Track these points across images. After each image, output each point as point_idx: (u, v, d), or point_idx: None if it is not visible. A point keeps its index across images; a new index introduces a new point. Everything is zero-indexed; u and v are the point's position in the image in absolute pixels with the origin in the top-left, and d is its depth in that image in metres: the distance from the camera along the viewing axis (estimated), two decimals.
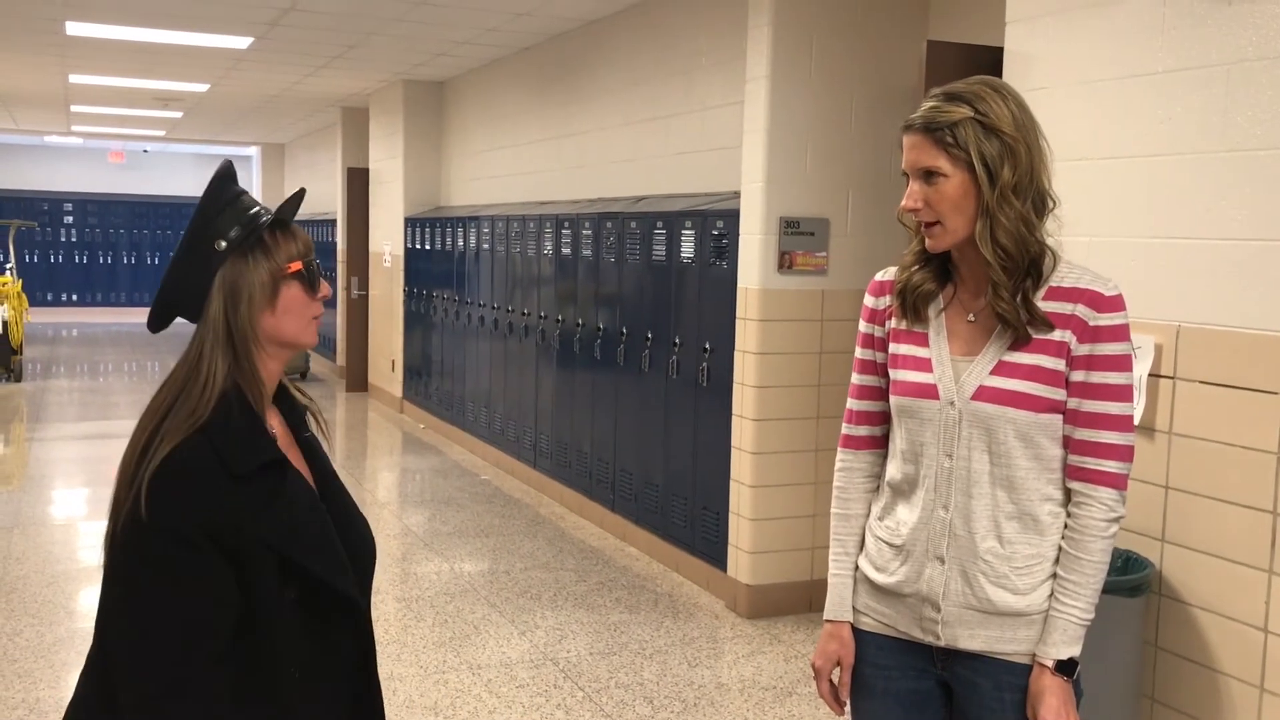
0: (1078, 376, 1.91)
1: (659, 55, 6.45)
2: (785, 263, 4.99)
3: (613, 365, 6.41)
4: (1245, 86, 2.91)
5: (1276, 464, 2.82)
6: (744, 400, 5.12)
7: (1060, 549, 1.94)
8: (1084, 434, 1.91)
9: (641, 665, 4.61)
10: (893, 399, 2.09)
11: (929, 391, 2.02)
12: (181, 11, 7.35)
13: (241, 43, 8.45)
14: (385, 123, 10.93)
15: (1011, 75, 3.65)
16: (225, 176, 1.80)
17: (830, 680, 2.17)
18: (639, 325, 6.13)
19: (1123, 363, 1.90)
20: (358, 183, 11.98)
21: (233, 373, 1.72)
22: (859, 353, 2.20)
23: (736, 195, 5.36)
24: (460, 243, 8.96)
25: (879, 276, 2.18)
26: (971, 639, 1.99)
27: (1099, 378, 1.89)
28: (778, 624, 5.05)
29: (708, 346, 5.46)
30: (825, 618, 2.18)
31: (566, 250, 7.03)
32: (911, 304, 2.06)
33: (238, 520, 1.65)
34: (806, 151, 5.02)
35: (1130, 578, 3.01)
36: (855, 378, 2.21)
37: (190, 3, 7.09)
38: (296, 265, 1.78)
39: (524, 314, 7.72)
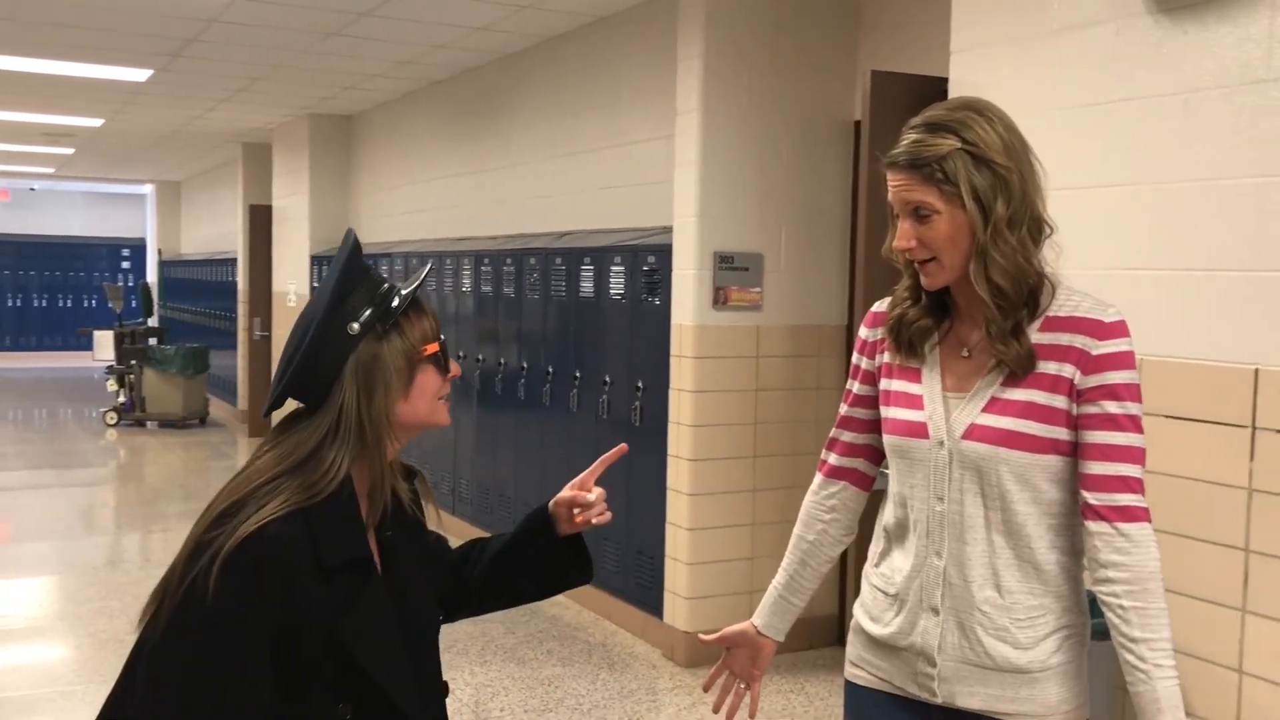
0: (1089, 409, 1.77)
1: (581, 88, 6.32)
2: (720, 298, 4.87)
3: (538, 406, 6.21)
4: (1203, 115, 2.87)
5: (1247, 499, 2.75)
6: (680, 440, 4.96)
7: (1116, 610, 1.75)
8: (1104, 468, 1.76)
9: None
10: (884, 439, 1.96)
11: (919, 430, 1.88)
12: (77, 42, 7.00)
13: (140, 75, 8.10)
14: (289, 158, 10.61)
15: None
16: (356, 250, 1.64)
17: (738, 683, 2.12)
18: (566, 364, 5.95)
19: (1133, 391, 1.78)
20: (260, 220, 11.62)
21: (357, 463, 1.58)
22: (850, 383, 2.07)
23: (666, 230, 5.23)
24: None
25: (875, 307, 2.04)
26: (970, 697, 1.85)
27: (1114, 408, 1.77)
28: None
29: (641, 385, 5.30)
30: None
31: (487, 287, 6.83)
32: (907, 340, 1.92)
33: (311, 620, 1.49)
34: (739, 185, 4.91)
35: (1099, 620, 2.91)
36: (844, 409, 2.08)
37: (87, 33, 6.75)
38: (433, 348, 1.65)
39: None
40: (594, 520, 1.92)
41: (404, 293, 1.64)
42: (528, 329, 6.36)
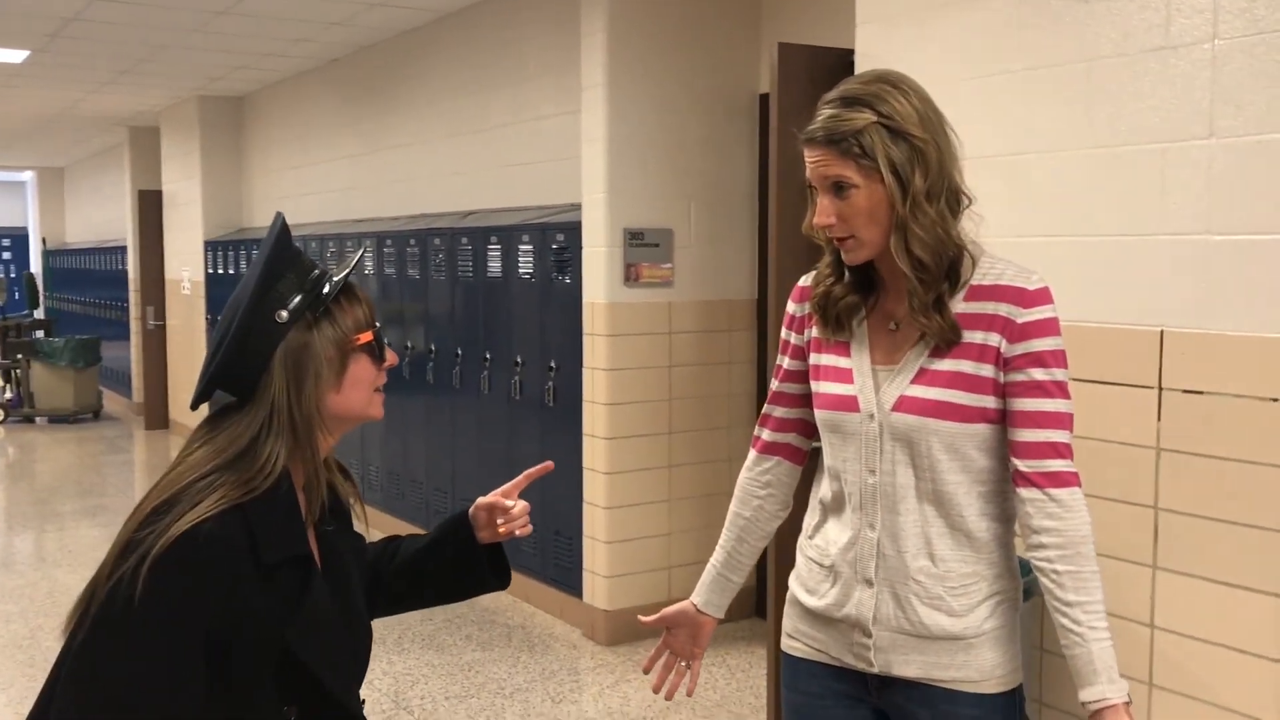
0: (1017, 377, 1.79)
1: (484, 64, 6.21)
2: (631, 275, 4.84)
3: (448, 389, 6.12)
4: (1105, 83, 2.92)
5: (1155, 459, 2.82)
6: (595, 419, 4.93)
7: (1050, 575, 1.77)
8: (1034, 435, 1.77)
9: (502, 706, 4.35)
10: (816, 413, 1.95)
11: (849, 404, 1.88)
12: None
13: (16, 56, 7.75)
14: (179, 142, 10.28)
15: None
16: (284, 234, 1.56)
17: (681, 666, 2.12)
18: (475, 346, 5.87)
19: (1059, 357, 1.80)
20: (150, 206, 11.24)
21: (292, 456, 1.51)
22: (780, 359, 2.06)
23: (575, 207, 5.19)
24: None
25: (802, 282, 2.03)
26: (906, 665, 1.86)
27: (1041, 375, 1.78)
28: (639, 649, 4.87)
29: (553, 365, 5.25)
30: None
31: (391, 269, 6.70)
32: (834, 316, 1.92)
33: (251, 621, 1.42)
34: (648, 160, 4.88)
35: (1028, 578, 2.97)
36: (775, 384, 2.07)
37: None
38: (366, 336, 1.59)
39: None
40: (517, 532, 1.90)
41: (335, 279, 1.58)
42: (435, 311, 6.26)
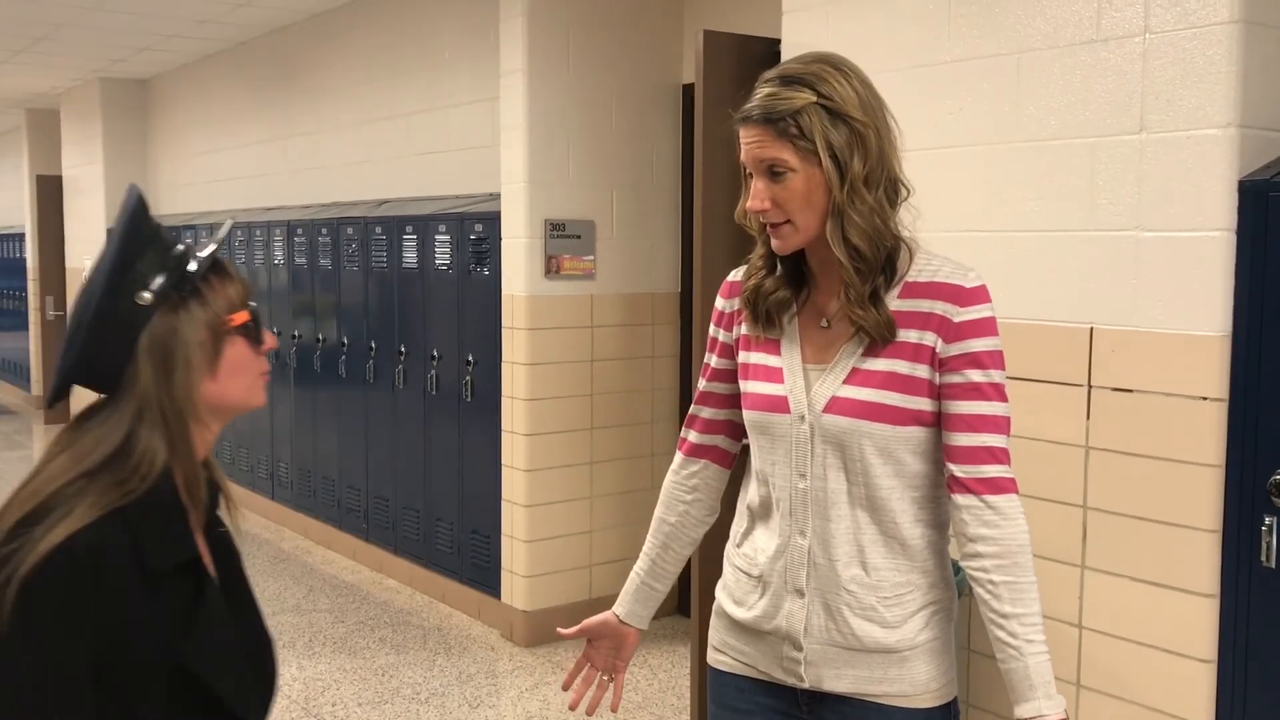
0: (953, 379, 1.70)
1: (398, 49, 6.03)
2: (552, 267, 4.71)
3: (360, 383, 5.94)
4: (1035, 76, 2.87)
5: (1084, 457, 2.79)
6: (515, 415, 4.79)
7: (985, 585, 1.69)
8: (970, 439, 1.69)
9: (418, 712, 4.21)
10: (744, 414, 1.86)
11: (779, 405, 1.79)
12: None
13: None
14: (80, 125, 9.88)
15: None
16: (140, 208, 1.38)
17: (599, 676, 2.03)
18: (389, 338, 5.69)
19: (997, 358, 1.72)
20: (49, 192, 10.81)
21: (170, 453, 1.37)
22: (707, 357, 1.96)
23: (493, 197, 5.05)
24: None
25: (731, 277, 1.94)
26: (838, 680, 1.78)
27: (978, 376, 1.70)
28: (559, 651, 4.76)
29: (471, 359, 5.10)
30: None
31: (301, 259, 6.48)
32: (764, 311, 1.82)
33: (139, 638, 1.28)
34: (569, 150, 4.76)
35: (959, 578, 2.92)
36: (702, 384, 1.98)
37: None
38: (242, 316, 1.43)
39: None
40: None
41: (202, 255, 1.42)
42: (347, 302, 6.07)
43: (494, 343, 4.89)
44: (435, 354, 5.33)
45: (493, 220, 4.90)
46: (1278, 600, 2.51)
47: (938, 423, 1.73)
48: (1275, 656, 2.52)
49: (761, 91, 1.73)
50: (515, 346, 4.76)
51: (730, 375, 1.91)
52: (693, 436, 1.98)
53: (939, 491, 1.78)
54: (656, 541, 2.00)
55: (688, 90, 4.99)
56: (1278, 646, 2.52)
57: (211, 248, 1.43)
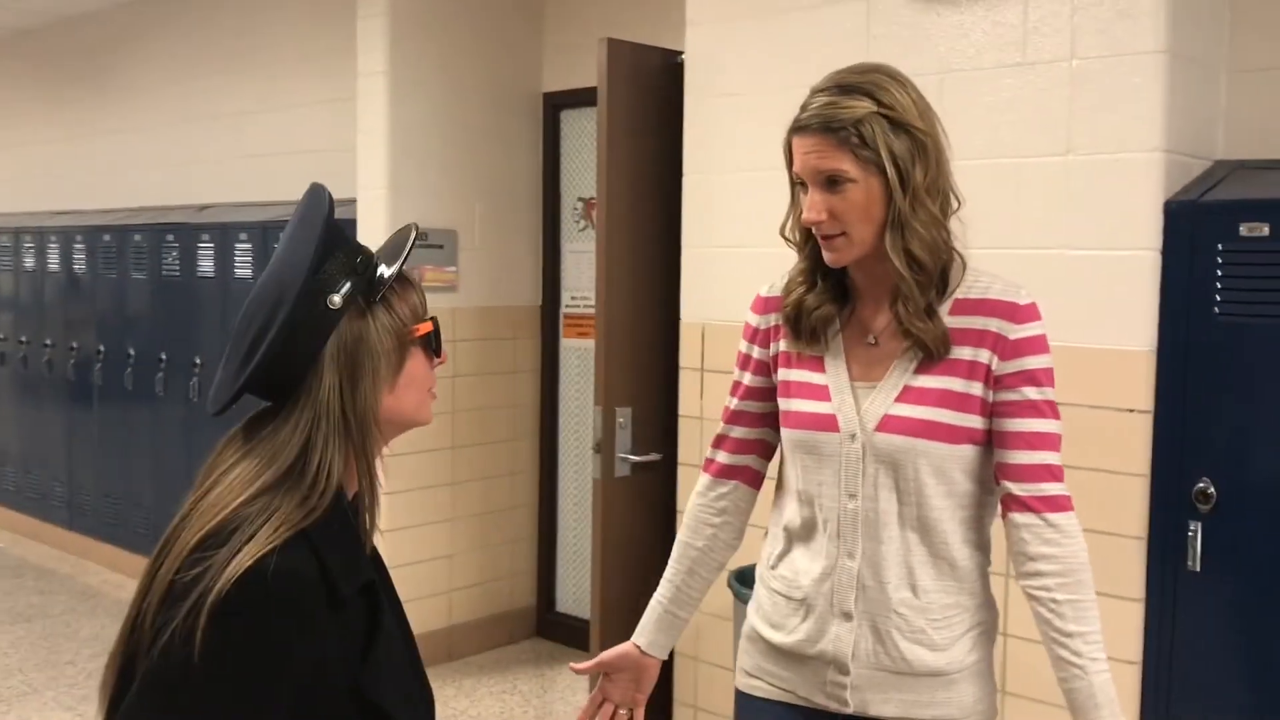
0: (1009, 396, 1.69)
1: (224, 45, 5.65)
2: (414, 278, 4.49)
3: (149, 397, 5.50)
4: (959, 96, 2.93)
5: None
6: None
7: (1048, 604, 1.67)
8: (1028, 457, 1.68)
9: None
10: (786, 433, 1.79)
11: (827, 423, 1.73)
12: None
13: None
14: None
15: (696, 82, 3.48)
16: (329, 205, 1.32)
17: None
18: (183, 351, 5.30)
19: (1050, 376, 1.72)
20: None
21: (345, 467, 1.29)
22: (738, 375, 1.88)
23: (344, 204, 4.78)
24: None
25: (763, 292, 1.87)
26: (885, 704, 1.73)
27: (1035, 394, 1.69)
28: None
29: None
30: None
31: (110, 270, 5.95)
32: (809, 328, 1.76)
33: (335, 667, 1.21)
34: (431, 156, 4.56)
35: None
36: (734, 403, 1.90)
37: None
38: (426, 327, 1.37)
39: (45, 345, 6.45)
40: None
41: (395, 259, 1.34)
42: (134, 311, 5.69)
43: None
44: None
45: (346, 228, 4.63)
46: (1202, 603, 2.64)
47: (987, 441, 1.72)
48: (1199, 657, 2.65)
49: (818, 101, 1.68)
50: None
51: (765, 393, 1.84)
52: (721, 457, 1.90)
53: (984, 512, 1.77)
54: (681, 567, 1.91)
55: (549, 99, 4.88)
56: (1202, 647, 2.65)
57: (405, 253, 1.34)
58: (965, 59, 2.93)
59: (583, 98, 4.69)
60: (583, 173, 4.84)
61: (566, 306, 4.90)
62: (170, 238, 5.51)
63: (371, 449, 1.33)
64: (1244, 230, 2.55)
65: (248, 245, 5.10)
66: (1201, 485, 2.62)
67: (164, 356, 5.46)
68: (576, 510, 4.88)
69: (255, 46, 5.49)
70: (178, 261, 5.46)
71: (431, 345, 1.40)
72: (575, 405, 4.88)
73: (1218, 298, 2.59)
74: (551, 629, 5.00)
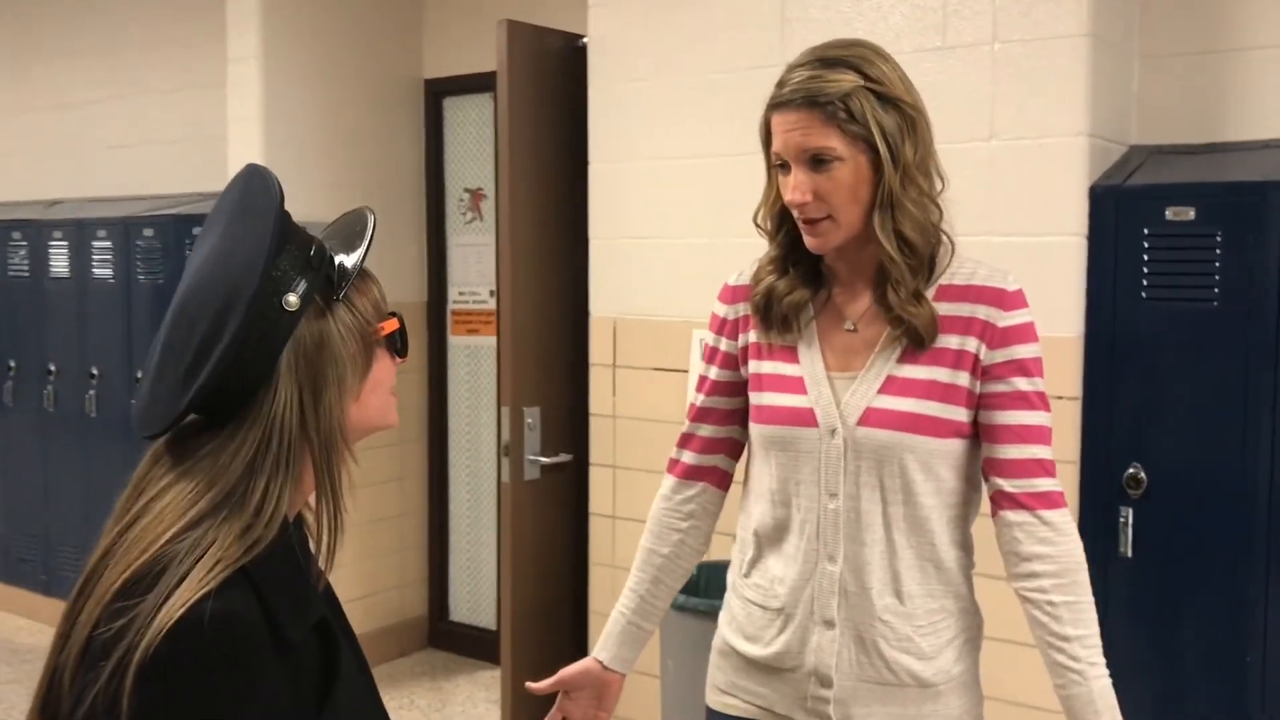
0: (998, 387, 1.60)
1: (63, 28, 5.25)
2: None
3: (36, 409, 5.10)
4: None
5: None
6: None
7: (1043, 606, 1.57)
8: (1019, 451, 1.59)
9: None
10: (758, 429, 1.68)
11: (804, 418, 1.63)
12: None
13: None
14: None
15: (600, 66, 3.35)
16: (278, 192, 1.15)
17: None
18: (79, 361, 4.92)
19: (1040, 366, 1.65)
20: None
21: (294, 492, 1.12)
22: (704, 369, 1.76)
23: (199, 198, 4.51)
24: None
25: (730, 281, 1.75)
26: (869, 718, 1.64)
27: (1025, 384, 1.61)
28: None
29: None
30: None
31: None
32: (780, 316, 1.65)
33: (284, 717, 1.06)
34: (308, 146, 4.30)
35: None
36: (700, 399, 1.78)
37: None
38: (392, 324, 1.23)
39: None
40: None
41: (355, 251, 1.18)
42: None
43: None
44: (94, 371, 4.72)
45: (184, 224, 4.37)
46: (1134, 588, 2.64)
47: (974, 435, 1.64)
48: (1130, 642, 2.65)
49: (799, 75, 1.58)
50: None
51: (733, 388, 1.73)
52: (687, 457, 1.77)
53: (970, 510, 1.69)
54: (645, 576, 1.78)
55: (430, 85, 4.68)
56: (1133, 632, 2.65)
57: (365, 243, 1.19)
58: (884, 43, 2.78)
59: (467, 84, 4.51)
60: (468, 163, 4.65)
61: (454, 303, 4.70)
62: (17, 235, 5.09)
63: (336, 466, 1.17)
64: (1170, 214, 2.55)
65: (107, 243, 4.73)
66: (1132, 471, 2.62)
67: (13, 364, 5.05)
68: (470, 515, 4.69)
69: (97, 28, 5.12)
70: (26, 260, 5.05)
71: (397, 345, 1.25)
72: (466, 406, 4.69)
73: (1144, 282, 2.59)
74: (445, 639, 4.80)
